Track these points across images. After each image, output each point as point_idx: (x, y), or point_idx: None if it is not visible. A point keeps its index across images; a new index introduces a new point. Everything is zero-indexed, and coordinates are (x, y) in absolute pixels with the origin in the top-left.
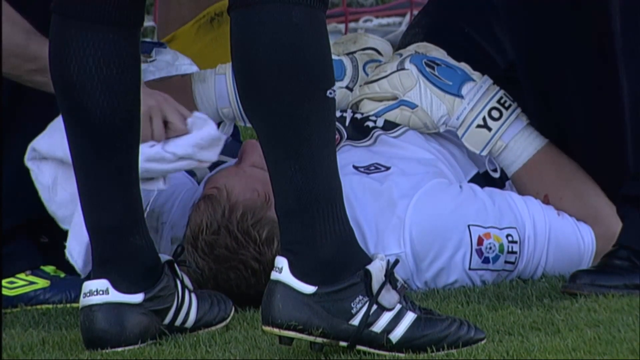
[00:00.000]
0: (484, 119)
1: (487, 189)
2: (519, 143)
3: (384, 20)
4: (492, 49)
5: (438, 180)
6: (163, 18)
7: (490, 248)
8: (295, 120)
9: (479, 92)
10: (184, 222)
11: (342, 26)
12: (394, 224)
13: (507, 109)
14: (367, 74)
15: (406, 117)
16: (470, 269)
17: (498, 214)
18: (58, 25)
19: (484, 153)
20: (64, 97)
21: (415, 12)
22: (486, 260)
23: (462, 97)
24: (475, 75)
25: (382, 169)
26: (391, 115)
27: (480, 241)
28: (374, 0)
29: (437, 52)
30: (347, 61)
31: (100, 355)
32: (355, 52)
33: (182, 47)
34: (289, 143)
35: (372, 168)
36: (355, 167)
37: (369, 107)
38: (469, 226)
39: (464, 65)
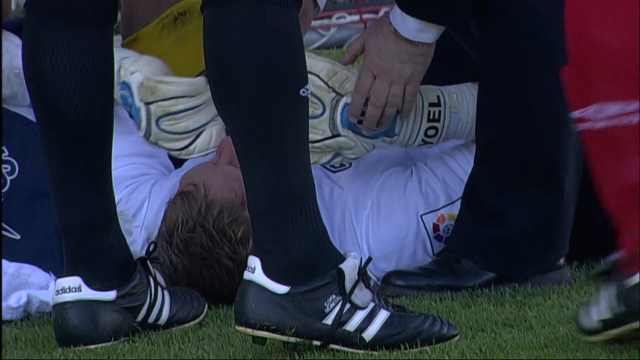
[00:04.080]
0: (423, 140)
1: (430, 162)
2: (467, 121)
3: (357, 17)
4: (468, 46)
5: (389, 173)
6: (126, 18)
7: (448, 228)
8: (269, 119)
9: (408, 123)
10: (157, 222)
11: (314, 22)
12: (350, 236)
13: (439, 120)
14: (160, 129)
15: (350, 159)
16: (436, 255)
17: (445, 189)
18: (32, 24)
19: (432, 147)
20: (38, 96)
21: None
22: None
23: (396, 135)
24: None
25: (347, 165)
26: (334, 162)
27: (436, 227)
28: None
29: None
30: (143, 111)
31: (73, 353)
32: (152, 102)
33: (146, 47)
34: (262, 142)
35: (338, 165)
36: (322, 164)
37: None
38: (421, 217)
39: None
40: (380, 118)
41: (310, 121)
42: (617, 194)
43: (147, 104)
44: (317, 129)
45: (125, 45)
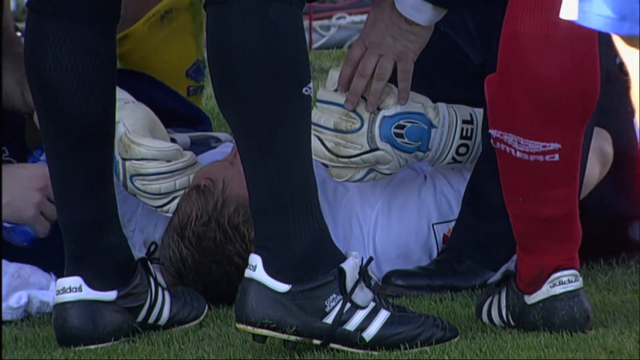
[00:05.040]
0: (453, 158)
1: (447, 173)
2: None
3: (357, 18)
4: (466, 46)
5: (402, 176)
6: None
7: None
8: (271, 117)
9: (442, 139)
10: (152, 223)
11: (315, 23)
12: (356, 236)
13: (470, 138)
14: (134, 186)
15: (382, 177)
16: (438, 254)
17: (459, 201)
18: (34, 22)
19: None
20: (40, 94)
21: None
22: None
23: (429, 150)
24: (434, 116)
25: None
26: (367, 179)
27: (445, 239)
28: None
29: (397, 99)
30: (120, 165)
31: (73, 353)
32: (126, 159)
33: (136, 45)
34: (264, 140)
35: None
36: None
37: (341, 175)
38: (432, 226)
39: (424, 101)
40: (369, 93)
41: (348, 136)
42: (527, 218)
43: (123, 159)
44: (355, 144)
45: (118, 40)
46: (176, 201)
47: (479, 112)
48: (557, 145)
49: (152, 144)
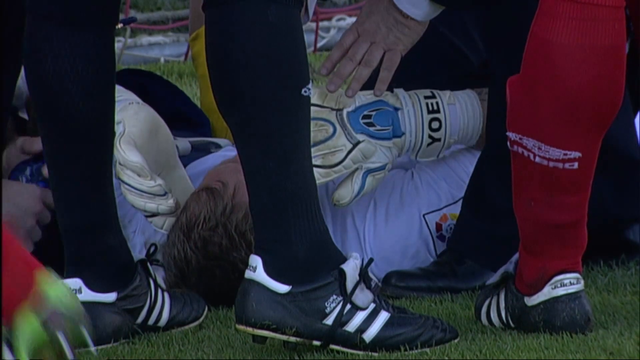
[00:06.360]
0: (429, 136)
1: (431, 164)
2: (467, 120)
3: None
4: (466, 47)
5: (390, 174)
6: (192, 15)
7: (451, 228)
8: (270, 118)
9: (410, 117)
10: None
11: (313, 24)
12: (353, 237)
13: (439, 111)
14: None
15: (379, 179)
16: (437, 256)
17: (447, 189)
18: (32, 25)
19: (442, 155)
20: (39, 97)
21: None
22: None
23: (404, 133)
24: (395, 100)
25: None
26: (368, 187)
27: (438, 227)
28: None
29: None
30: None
31: None
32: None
33: (204, 46)
34: (264, 141)
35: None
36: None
37: (342, 195)
38: (424, 216)
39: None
40: (352, 79)
41: (329, 142)
42: (537, 222)
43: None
44: (338, 146)
45: (190, 41)
46: (158, 218)
47: (439, 90)
48: (577, 154)
49: (125, 153)
